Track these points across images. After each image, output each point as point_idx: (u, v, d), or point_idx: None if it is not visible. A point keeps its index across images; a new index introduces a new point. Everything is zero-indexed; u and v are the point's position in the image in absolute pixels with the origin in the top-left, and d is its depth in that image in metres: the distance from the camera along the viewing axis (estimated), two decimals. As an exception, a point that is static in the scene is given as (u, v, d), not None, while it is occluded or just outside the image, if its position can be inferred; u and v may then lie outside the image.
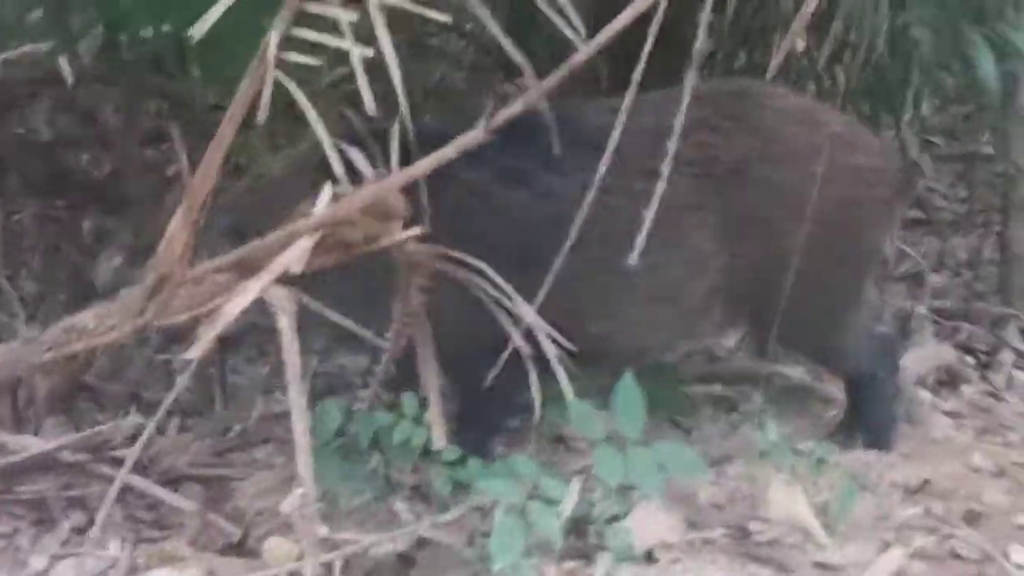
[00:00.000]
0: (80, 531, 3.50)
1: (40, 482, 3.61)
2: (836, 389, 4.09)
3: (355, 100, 3.03)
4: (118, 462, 3.52)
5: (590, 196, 3.07)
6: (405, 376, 3.51)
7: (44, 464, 3.60)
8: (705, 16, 2.51)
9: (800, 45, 3.15)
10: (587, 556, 3.11)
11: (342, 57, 2.96)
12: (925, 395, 4.27)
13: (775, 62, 3.23)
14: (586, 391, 3.33)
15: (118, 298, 3.25)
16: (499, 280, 3.19)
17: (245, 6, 2.97)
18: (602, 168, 3.01)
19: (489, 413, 3.69)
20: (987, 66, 4.49)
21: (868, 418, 3.89)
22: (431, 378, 3.29)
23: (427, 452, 3.42)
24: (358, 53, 2.78)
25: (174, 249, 2.85)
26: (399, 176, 2.82)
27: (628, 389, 3.22)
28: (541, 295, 3.12)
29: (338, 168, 3.06)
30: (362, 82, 2.81)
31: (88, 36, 4.16)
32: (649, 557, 3.14)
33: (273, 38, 2.83)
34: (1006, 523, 3.43)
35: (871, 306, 4.28)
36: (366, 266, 3.22)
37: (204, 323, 2.78)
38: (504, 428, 3.81)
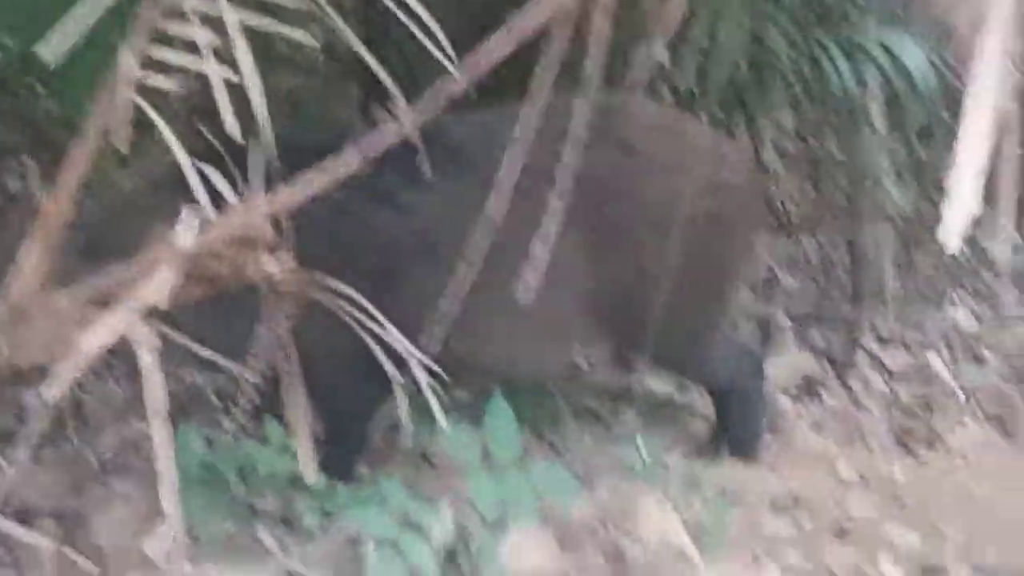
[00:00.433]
0: (-73, 573, 3.34)
1: None
2: (702, 402, 4.09)
3: (209, 112, 2.93)
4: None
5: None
6: (268, 402, 3.41)
7: None
8: (599, 38, 2.44)
9: (664, 56, 3.12)
10: (461, 583, 3.07)
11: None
12: (787, 404, 4.30)
13: (636, 74, 3.20)
14: (449, 408, 3.28)
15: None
16: (365, 303, 3.10)
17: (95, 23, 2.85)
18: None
19: (353, 435, 3.61)
20: (840, 71, 4.54)
21: (735, 430, 3.90)
22: (298, 405, 3.19)
23: (292, 479, 3.34)
24: (219, 75, 2.66)
25: (28, 279, 2.72)
26: (266, 205, 2.71)
27: (500, 411, 3.17)
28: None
29: (197, 187, 2.95)
30: (223, 104, 2.70)
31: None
32: (525, 584, 3.10)
33: (128, 58, 2.71)
34: (874, 534, 3.46)
35: (733, 315, 4.29)
36: (226, 289, 3.12)
37: (61, 359, 2.64)
38: (367, 448, 3.73)
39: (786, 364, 4.57)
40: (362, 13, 4.64)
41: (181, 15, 2.83)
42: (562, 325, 3.67)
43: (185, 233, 2.68)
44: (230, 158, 3.15)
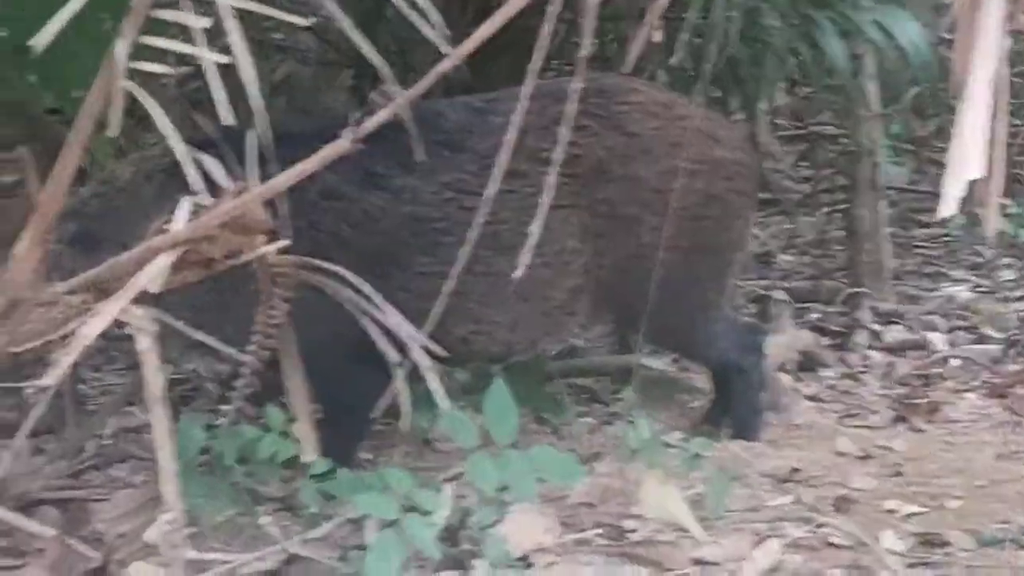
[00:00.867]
0: (-69, 562, 3.34)
1: None
2: (701, 379, 4.09)
3: (203, 100, 2.94)
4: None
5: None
6: (267, 387, 3.42)
7: None
8: (589, 23, 2.44)
9: (657, 37, 3.11)
10: (462, 564, 3.06)
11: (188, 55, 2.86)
12: (787, 380, 4.30)
13: (632, 55, 3.20)
14: (449, 391, 3.29)
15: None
16: (364, 287, 3.11)
17: (86, 10, 2.84)
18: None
19: (353, 420, 3.62)
20: (835, 49, 4.54)
21: (735, 408, 3.91)
22: (298, 390, 3.21)
23: (293, 464, 3.35)
24: (212, 61, 2.67)
25: (24, 270, 2.72)
26: (260, 189, 2.72)
27: (499, 394, 3.18)
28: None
29: (192, 175, 2.96)
30: (217, 91, 2.70)
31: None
32: (525, 562, 3.10)
33: (122, 47, 2.71)
34: (875, 508, 3.46)
35: (731, 293, 4.29)
36: (225, 275, 3.12)
37: (58, 348, 2.65)
38: (368, 434, 3.73)
39: (785, 341, 4.58)
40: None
41: (174, 2, 2.83)
42: (560, 307, 3.69)
43: (180, 220, 2.69)
44: (226, 143, 3.16)
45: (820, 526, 3.32)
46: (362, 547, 3.03)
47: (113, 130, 2.69)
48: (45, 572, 3.20)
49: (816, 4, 4.56)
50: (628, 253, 3.62)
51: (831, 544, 3.26)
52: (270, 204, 3.03)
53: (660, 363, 4.26)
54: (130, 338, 2.77)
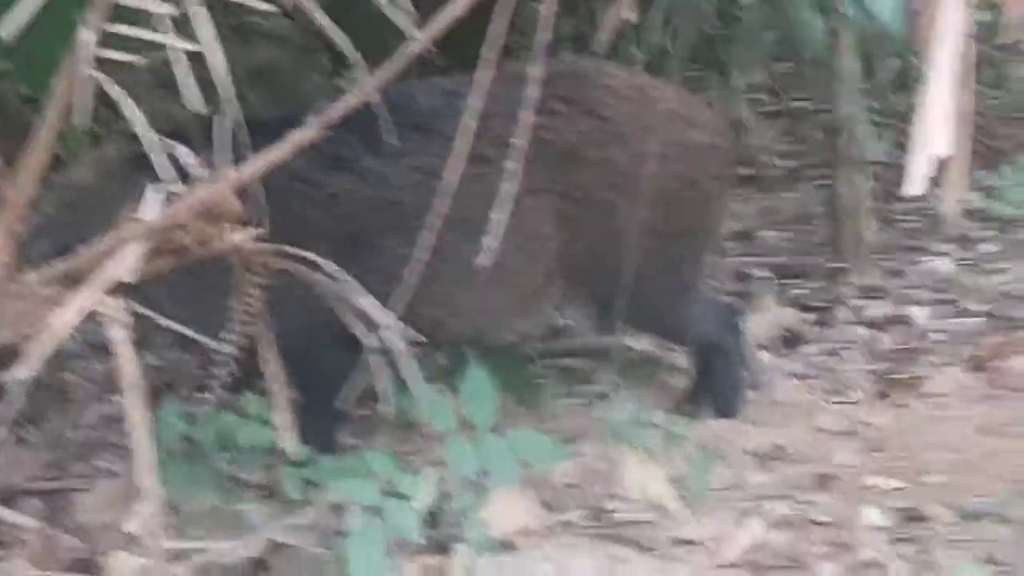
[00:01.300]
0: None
1: None
2: (683, 359, 4.09)
3: (173, 86, 2.92)
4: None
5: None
6: (246, 375, 3.41)
7: None
8: (548, 7, 2.42)
9: (631, 16, 3.09)
10: (445, 548, 3.06)
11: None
12: (768, 358, 4.30)
13: (604, 35, 3.19)
14: (428, 374, 3.30)
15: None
16: (338, 273, 3.10)
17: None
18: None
19: (331, 405, 3.61)
20: (812, 24, 4.54)
21: (716, 387, 3.91)
22: (276, 377, 3.20)
23: (275, 450, 3.34)
24: (180, 48, 2.65)
25: (-5, 261, 2.72)
26: (231, 177, 2.71)
27: (476, 378, 3.18)
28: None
29: (161, 164, 2.94)
30: (184, 79, 2.69)
31: None
32: (508, 544, 3.10)
33: (86, 35, 2.69)
34: (857, 484, 3.47)
35: (710, 272, 4.29)
36: (200, 264, 3.11)
37: (32, 339, 2.64)
38: (348, 418, 3.72)
39: (766, 318, 4.58)
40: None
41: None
42: (534, 291, 3.70)
43: (151, 209, 2.67)
44: (196, 131, 3.15)
45: (802, 503, 3.34)
46: (345, 533, 3.03)
47: (81, 120, 2.68)
48: (28, 563, 3.21)
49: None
50: (602, 237, 3.63)
51: (813, 522, 3.27)
52: (241, 191, 3.02)
53: (642, 343, 4.25)
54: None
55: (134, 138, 2.97)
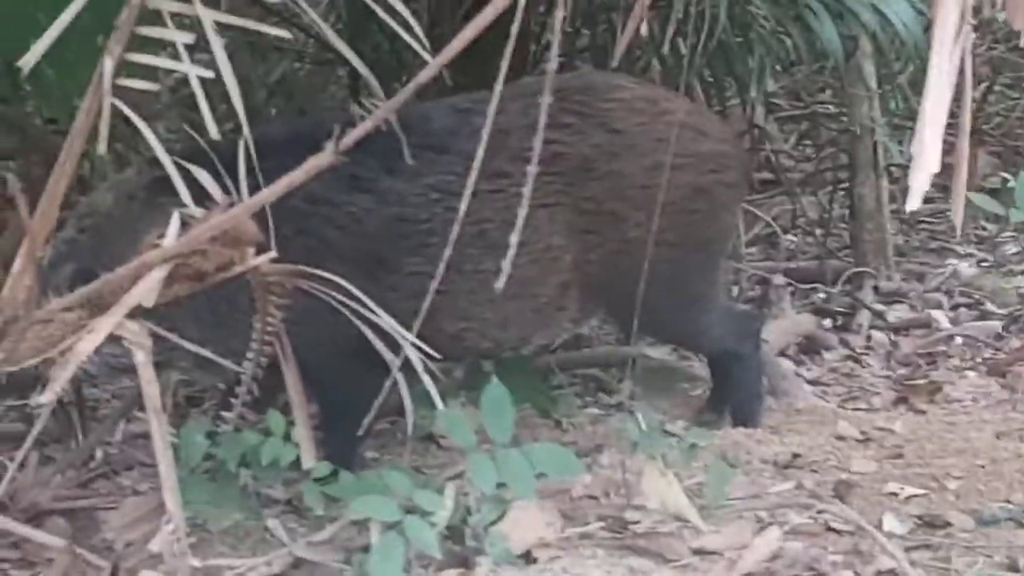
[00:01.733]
0: (-58, 576, 3.38)
1: None
2: (701, 367, 4.11)
3: (194, 109, 2.96)
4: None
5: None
6: (268, 393, 3.45)
7: None
8: (556, 31, 2.45)
9: (644, 29, 3.12)
10: (466, 562, 3.09)
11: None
12: (788, 365, 4.32)
13: (619, 48, 3.21)
14: (448, 388, 3.31)
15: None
16: (356, 292, 3.13)
17: (77, 24, 2.88)
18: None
19: (352, 422, 3.64)
20: (828, 31, 4.55)
21: (735, 396, 3.93)
22: (297, 395, 3.23)
23: (298, 466, 3.38)
24: (196, 76, 2.70)
25: (18, 291, 2.76)
26: (249, 202, 2.74)
27: (495, 392, 3.20)
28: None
29: (181, 189, 2.98)
30: (202, 103, 2.74)
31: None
32: (528, 557, 3.12)
33: (108, 65, 2.74)
34: (876, 492, 3.48)
35: (728, 280, 4.31)
36: (220, 286, 3.15)
37: (56, 364, 2.69)
38: (369, 434, 3.76)
39: (785, 325, 4.59)
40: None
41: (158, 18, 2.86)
42: (549, 303, 3.73)
43: (172, 236, 2.72)
44: (216, 156, 3.19)
45: (821, 512, 3.34)
46: (367, 548, 3.06)
47: (101, 147, 2.73)
48: (56, 582, 3.24)
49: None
50: (616, 249, 3.65)
51: (832, 530, 3.27)
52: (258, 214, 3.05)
53: (660, 352, 4.27)
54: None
55: (155, 162, 3.03)
